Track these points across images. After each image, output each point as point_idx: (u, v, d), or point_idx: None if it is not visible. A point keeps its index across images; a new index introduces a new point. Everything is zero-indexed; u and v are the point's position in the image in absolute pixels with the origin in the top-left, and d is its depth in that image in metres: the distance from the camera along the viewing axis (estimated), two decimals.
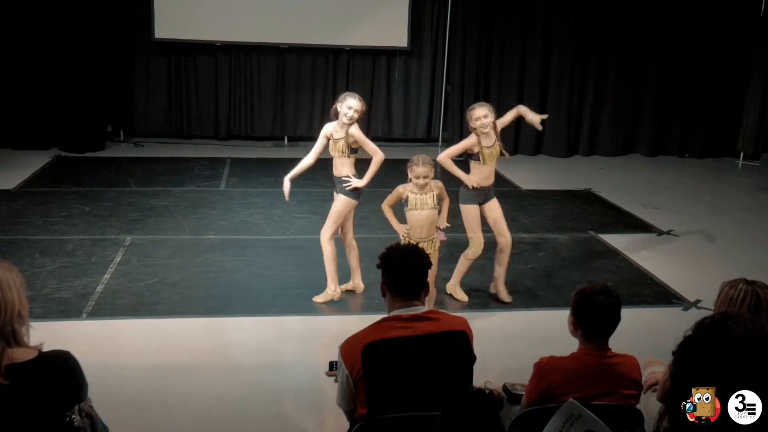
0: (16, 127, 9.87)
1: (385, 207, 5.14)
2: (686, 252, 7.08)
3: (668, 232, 7.58)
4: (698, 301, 5.81)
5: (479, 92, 10.73)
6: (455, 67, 10.75)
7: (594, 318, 3.00)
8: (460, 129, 10.63)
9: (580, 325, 3.03)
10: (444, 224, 5.18)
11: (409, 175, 5.03)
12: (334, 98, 10.78)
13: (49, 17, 9.60)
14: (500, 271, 5.73)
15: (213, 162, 9.76)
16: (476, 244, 5.51)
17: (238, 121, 10.87)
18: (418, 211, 5.01)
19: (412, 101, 11.07)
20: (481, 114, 5.34)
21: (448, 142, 5.54)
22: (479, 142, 5.38)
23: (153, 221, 7.33)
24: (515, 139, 11.01)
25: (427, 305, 3.26)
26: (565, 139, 11.07)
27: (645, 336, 5.02)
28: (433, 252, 4.97)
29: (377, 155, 5.34)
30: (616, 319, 3.02)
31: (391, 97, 11.03)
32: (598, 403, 2.82)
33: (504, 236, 5.62)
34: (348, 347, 2.96)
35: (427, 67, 10.93)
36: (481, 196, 5.50)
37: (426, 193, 5.02)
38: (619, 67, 10.93)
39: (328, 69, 10.83)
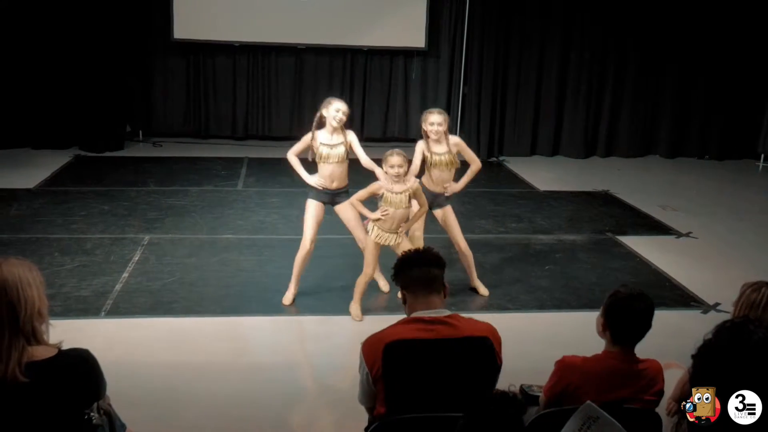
0: (37, 127, 9.97)
1: (356, 201, 5.22)
2: (705, 254, 7.02)
3: (687, 234, 7.53)
4: (717, 304, 5.76)
5: (497, 93, 10.70)
6: (473, 68, 10.71)
7: (625, 323, 2.98)
8: (476, 130, 10.62)
9: (609, 327, 3.01)
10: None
11: (384, 167, 5.09)
12: (351, 99, 10.87)
13: (68, 18, 9.69)
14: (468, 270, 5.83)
15: (231, 162, 9.81)
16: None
17: (256, 121, 10.91)
18: (392, 209, 5.09)
19: (430, 102, 11.02)
20: (435, 120, 5.43)
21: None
22: (429, 148, 5.48)
23: (171, 220, 7.37)
24: (533, 140, 11.00)
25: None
26: (582, 140, 11.02)
27: (663, 339, 4.95)
28: (401, 242, 5.13)
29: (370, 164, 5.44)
30: (647, 326, 3.00)
31: (409, 98, 11.02)
32: (616, 405, 2.80)
33: (458, 244, 5.69)
34: (369, 345, 2.96)
35: (445, 67, 10.90)
36: (428, 198, 5.49)
37: (402, 192, 5.08)
38: (638, 67, 10.86)
39: (345, 69, 10.84)
